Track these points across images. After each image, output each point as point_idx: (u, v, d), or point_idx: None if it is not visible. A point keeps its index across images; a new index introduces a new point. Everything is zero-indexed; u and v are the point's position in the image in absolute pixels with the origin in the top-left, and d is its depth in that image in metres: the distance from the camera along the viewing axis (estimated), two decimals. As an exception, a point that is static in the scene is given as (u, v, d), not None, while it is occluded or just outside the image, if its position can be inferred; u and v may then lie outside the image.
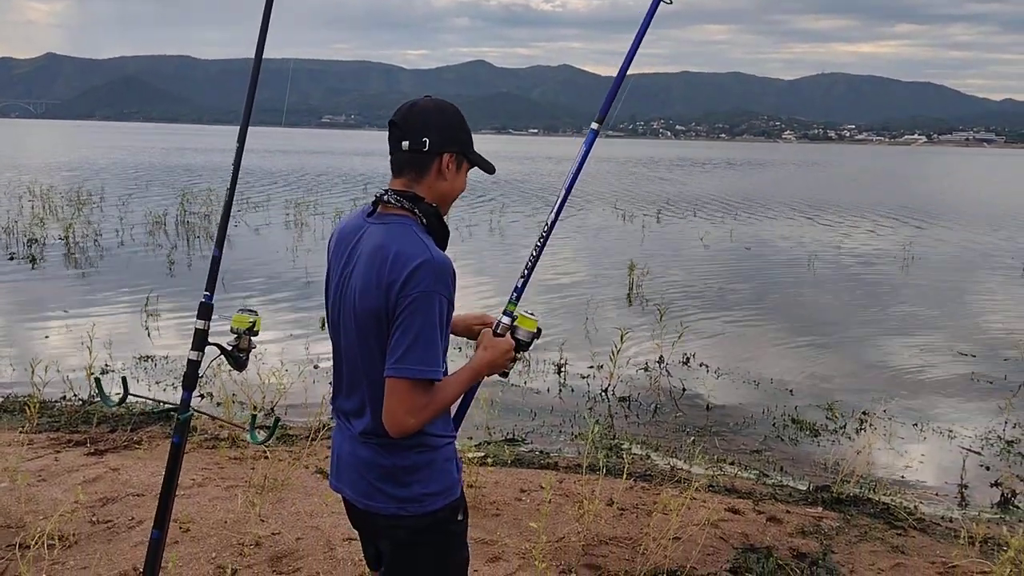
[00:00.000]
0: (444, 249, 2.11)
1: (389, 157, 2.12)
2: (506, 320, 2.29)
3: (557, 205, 2.46)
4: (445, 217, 2.15)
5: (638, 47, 2.55)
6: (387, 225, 2.05)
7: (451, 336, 2.21)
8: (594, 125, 2.53)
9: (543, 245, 2.42)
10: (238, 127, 2.69)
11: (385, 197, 2.08)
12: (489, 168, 2.20)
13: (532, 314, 2.30)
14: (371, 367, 2.02)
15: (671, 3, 2.51)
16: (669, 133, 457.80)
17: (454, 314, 2.40)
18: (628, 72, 2.54)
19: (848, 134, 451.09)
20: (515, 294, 2.34)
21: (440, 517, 2.11)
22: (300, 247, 15.74)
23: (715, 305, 11.55)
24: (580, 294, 11.89)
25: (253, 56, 2.73)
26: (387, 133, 2.12)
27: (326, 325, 2.25)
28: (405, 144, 2.06)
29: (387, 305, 1.95)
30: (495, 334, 2.27)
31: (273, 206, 23.15)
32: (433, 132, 2.06)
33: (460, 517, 2.18)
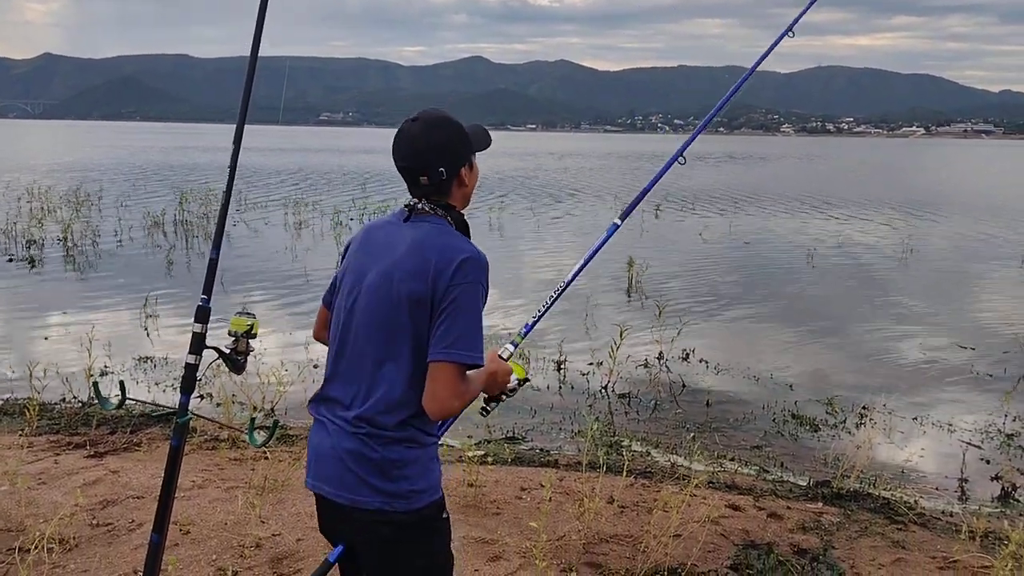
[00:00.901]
0: None
1: (408, 189, 2.19)
2: (512, 348, 2.44)
3: (576, 271, 2.69)
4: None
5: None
6: (428, 224, 2.14)
7: None
8: (616, 221, 2.86)
9: (558, 295, 2.63)
10: (235, 126, 2.68)
11: (419, 205, 2.16)
12: (488, 144, 2.30)
13: (522, 364, 2.45)
14: (390, 349, 2.06)
15: (792, 36, 2.70)
16: (667, 127, 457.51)
17: None
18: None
19: (846, 127, 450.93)
20: (524, 328, 2.47)
21: (425, 514, 2.11)
22: (299, 246, 15.73)
23: (714, 300, 11.54)
24: (579, 290, 11.86)
25: (249, 54, 2.72)
26: (391, 150, 2.18)
27: (333, 311, 2.26)
28: (424, 179, 2.14)
29: (432, 293, 2.02)
30: (500, 356, 2.39)
31: (272, 205, 23.14)
32: (446, 158, 2.13)
33: (444, 515, 2.19)
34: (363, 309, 2.12)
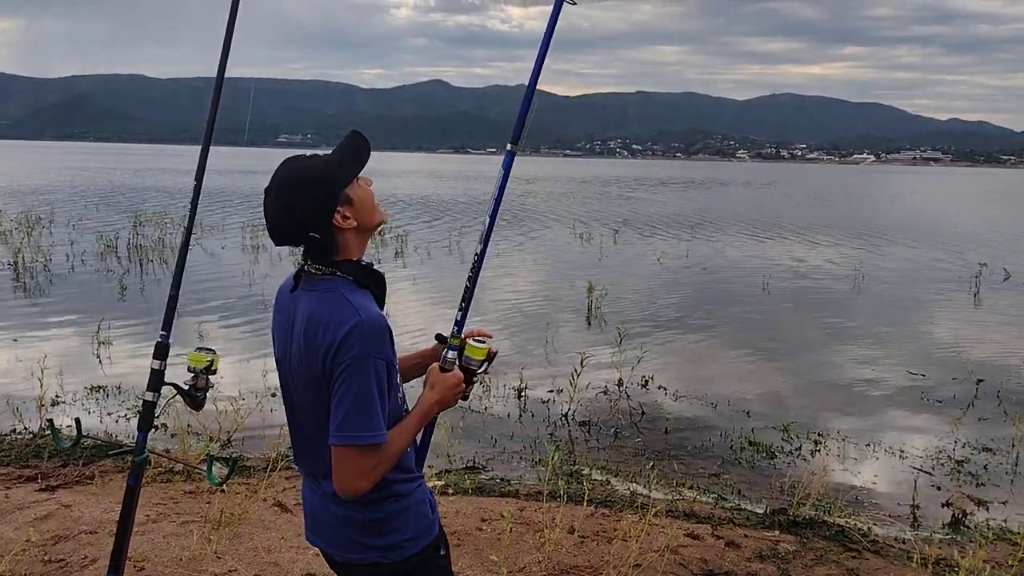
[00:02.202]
0: (383, 295, 2.10)
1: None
2: (451, 354, 2.23)
3: (485, 233, 2.37)
4: (376, 266, 2.11)
5: (546, 54, 2.39)
6: (316, 292, 2.01)
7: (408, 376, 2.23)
8: (509, 147, 2.40)
9: (476, 275, 2.36)
10: (191, 146, 2.66)
11: (307, 267, 2.05)
12: (361, 158, 2.08)
13: (482, 341, 2.27)
14: (326, 425, 1.98)
15: (575, 3, 2.39)
16: (626, 152, 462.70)
17: (416, 351, 2.40)
18: (534, 88, 2.40)
19: (800, 153, 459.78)
20: (455, 327, 2.28)
21: (422, 558, 2.12)
22: (257, 271, 15.59)
23: (673, 326, 11.67)
24: (539, 317, 11.93)
25: (206, 74, 2.76)
26: None
27: (279, 384, 2.20)
28: (302, 247, 2.03)
29: (324, 374, 1.94)
30: (442, 369, 2.21)
31: (229, 228, 22.90)
32: (309, 221, 1.97)
33: (442, 552, 2.19)
34: (293, 390, 2.09)
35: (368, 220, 2.06)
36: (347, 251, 2.04)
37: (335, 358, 1.91)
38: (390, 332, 1.99)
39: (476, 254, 2.35)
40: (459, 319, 2.30)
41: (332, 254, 2.03)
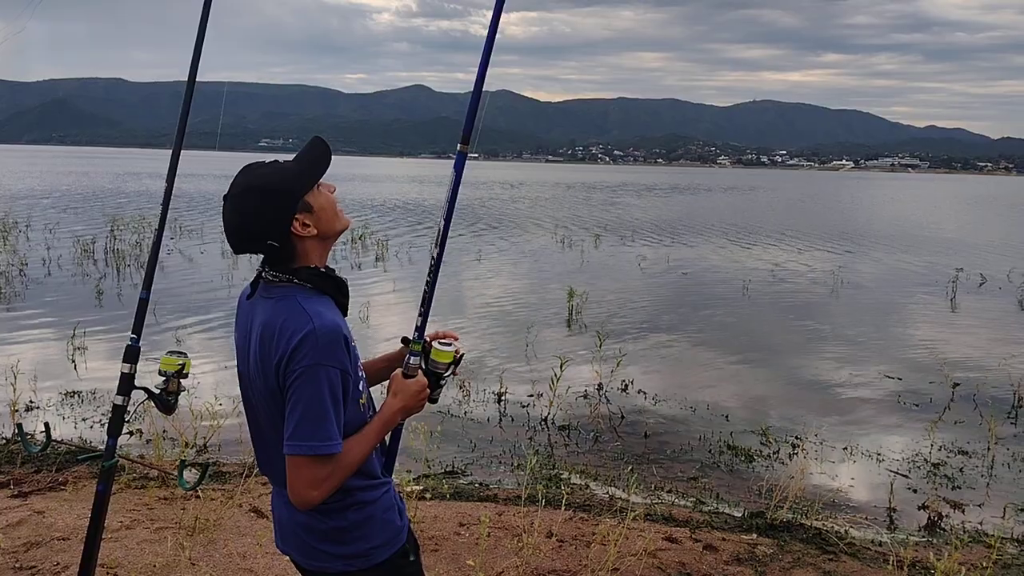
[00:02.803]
0: (346, 298, 2.07)
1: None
2: (414, 360, 2.17)
3: (439, 238, 2.27)
4: (337, 270, 2.07)
5: (491, 49, 2.27)
6: (272, 300, 1.98)
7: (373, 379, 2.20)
8: (460, 147, 2.25)
9: (434, 280, 2.29)
10: (170, 150, 2.63)
11: (264, 275, 2.02)
12: (321, 165, 2.05)
13: (448, 343, 2.23)
14: (282, 435, 1.95)
15: None
16: (607, 158, 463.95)
17: (386, 354, 2.36)
18: (484, 91, 2.27)
19: (780, 159, 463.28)
20: (416, 333, 2.21)
21: (390, 566, 2.09)
22: (235, 275, 15.48)
23: (653, 330, 11.69)
24: (520, 321, 11.92)
25: (186, 78, 2.69)
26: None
27: (241, 395, 2.17)
28: (262, 256, 2.01)
29: (279, 383, 1.91)
30: (405, 376, 2.15)
31: (207, 232, 22.76)
32: (268, 229, 1.95)
33: (412, 558, 2.16)
34: (252, 402, 2.06)
35: (329, 227, 2.03)
36: (307, 258, 2.01)
37: (287, 367, 1.88)
38: (346, 339, 1.95)
39: (433, 257, 2.28)
40: (419, 324, 2.24)
41: (291, 261, 2.00)
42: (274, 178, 1.96)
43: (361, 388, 2.04)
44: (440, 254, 2.26)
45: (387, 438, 2.18)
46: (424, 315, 2.24)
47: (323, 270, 2.03)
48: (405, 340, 2.26)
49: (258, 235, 1.95)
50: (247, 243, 1.98)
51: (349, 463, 1.95)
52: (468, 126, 2.24)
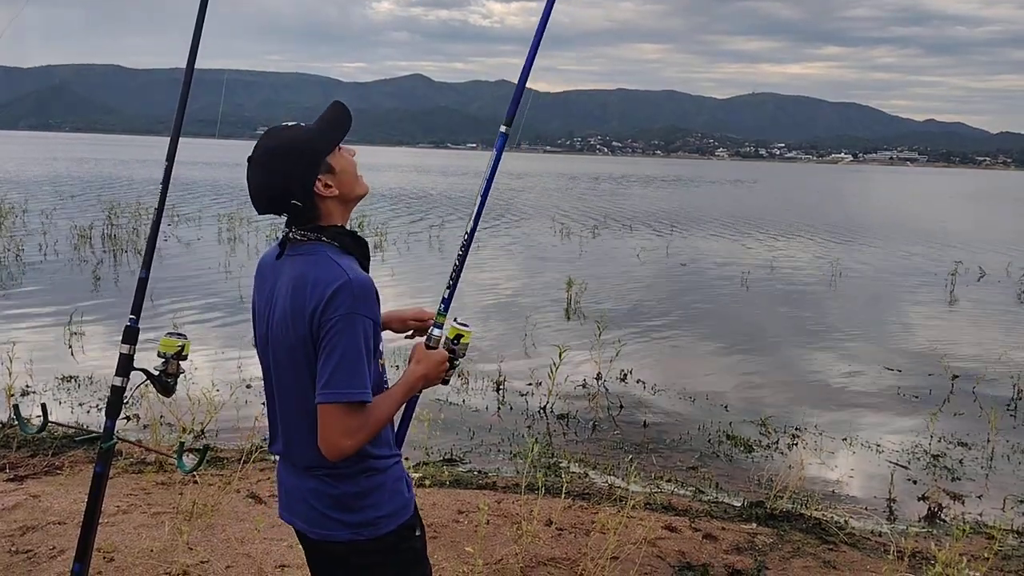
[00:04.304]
0: (368, 260, 2.10)
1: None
2: (437, 332, 2.24)
3: (475, 213, 2.37)
4: (360, 232, 2.10)
5: (539, 42, 2.53)
6: (302, 256, 2.01)
7: (385, 351, 2.19)
8: (503, 128, 2.42)
9: (465, 254, 2.36)
10: (167, 137, 2.62)
11: (291, 234, 2.05)
12: (343, 127, 2.08)
13: (465, 324, 2.26)
14: (307, 398, 1.97)
15: None
16: (606, 149, 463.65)
17: (389, 310, 2.37)
18: (528, 81, 2.52)
19: (778, 152, 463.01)
20: (443, 305, 2.28)
21: (396, 537, 2.08)
22: (233, 262, 15.43)
23: (651, 321, 11.67)
24: (519, 310, 11.90)
25: (184, 65, 2.66)
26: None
27: (259, 363, 2.18)
28: (284, 214, 2.03)
29: (311, 332, 1.92)
30: (427, 346, 2.22)
31: (205, 219, 22.69)
32: (292, 187, 1.97)
33: (417, 533, 2.16)
34: (276, 363, 2.06)
35: (349, 190, 2.07)
36: (330, 219, 2.04)
37: (323, 315, 1.90)
38: (377, 293, 1.99)
39: (466, 232, 2.35)
40: (447, 296, 2.29)
41: (315, 221, 2.03)
42: (297, 139, 2.00)
43: (381, 348, 2.09)
44: (474, 229, 2.35)
45: (400, 410, 2.18)
46: (452, 287, 2.30)
47: (348, 230, 2.07)
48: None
49: (282, 194, 1.98)
50: (271, 203, 2.01)
51: (377, 419, 1.97)
52: (512, 109, 2.44)
